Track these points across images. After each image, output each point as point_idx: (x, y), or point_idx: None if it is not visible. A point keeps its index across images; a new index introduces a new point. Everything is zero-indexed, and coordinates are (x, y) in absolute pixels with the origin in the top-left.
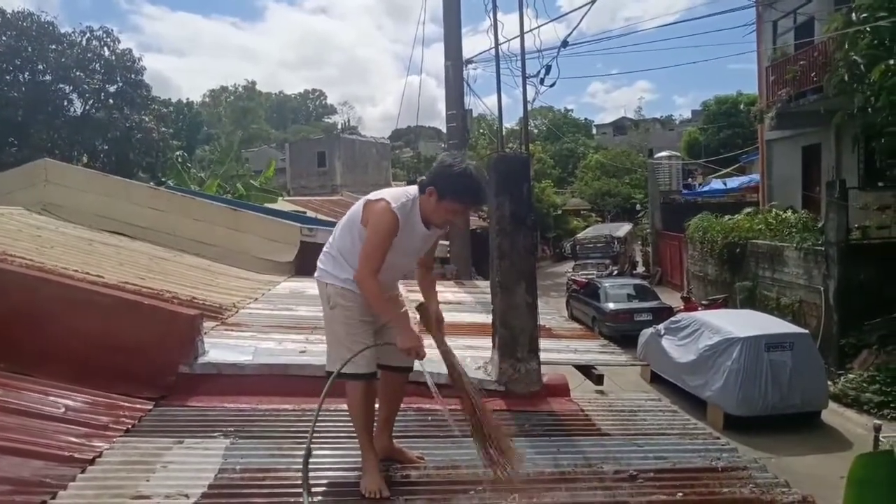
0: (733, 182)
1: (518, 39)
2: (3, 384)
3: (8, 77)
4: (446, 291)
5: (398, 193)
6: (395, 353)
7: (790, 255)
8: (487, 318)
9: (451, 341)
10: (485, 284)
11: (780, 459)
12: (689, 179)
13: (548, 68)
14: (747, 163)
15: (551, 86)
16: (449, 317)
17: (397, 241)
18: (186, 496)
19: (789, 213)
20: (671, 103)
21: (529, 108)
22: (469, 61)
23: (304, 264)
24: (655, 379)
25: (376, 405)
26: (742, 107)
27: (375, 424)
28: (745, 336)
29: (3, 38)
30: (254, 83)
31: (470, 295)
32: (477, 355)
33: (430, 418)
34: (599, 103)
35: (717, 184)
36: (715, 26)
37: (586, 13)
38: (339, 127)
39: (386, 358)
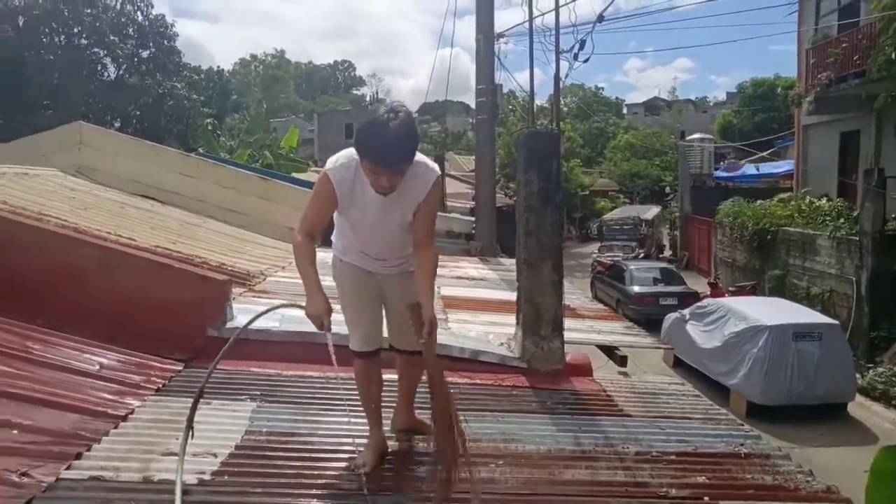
0: (766, 167)
1: (553, 13)
2: (42, 340)
3: (44, 39)
4: (470, 267)
5: (340, 153)
6: (400, 336)
7: (823, 244)
8: (511, 295)
9: (474, 317)
10: (509, 262)
11: (804, 450)
12: (722, 163)
13: (582, 43)
14: (782, 148)
15: (585, 61)
16: (473, 293)
17: (345, 204)
18: (214, 455)
19: (824, 200)
20: (708, 84)
21: (562, 84)
22: (501, 35)
23: (330, 234)
24: (678, 364)
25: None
26: (779, 90)
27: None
28: (772, 324)
29: (41, 0)
30: (282, 52)
31: (494, 272)
32: (500, 332)
33: (451, 391)
34: (632, 82)
35: (749, 168)
36: (756, 5)
37: None
38: (368, 99)
39: (393, 340)
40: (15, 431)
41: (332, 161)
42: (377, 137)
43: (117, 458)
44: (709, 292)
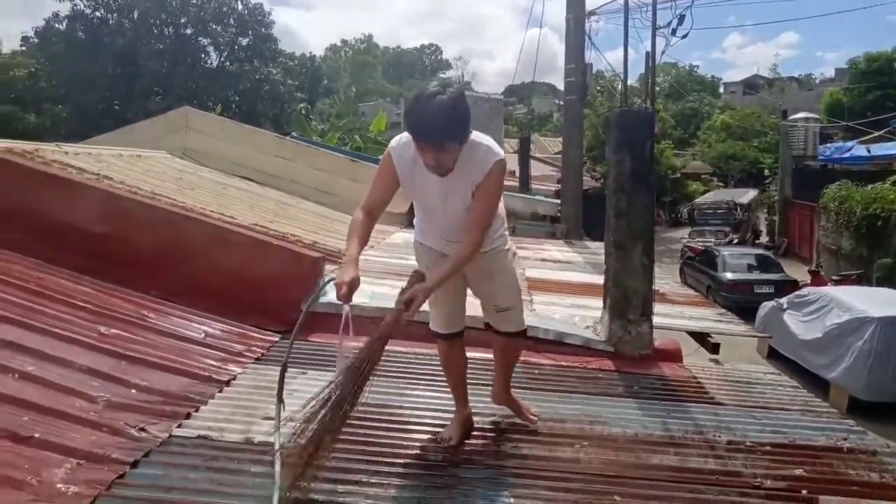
0: (878, 149)
1: None
2: (155, 309)
3: (155, 31)
4: (554, 250)
5: (404, 132)
6: (489, 313)
7: None
8: (597, 279)
9: (560, 300)
10: (595, 245)
11: None
12: (828, 144)
13: (681, 18)
14: None
15: (684, 36)
16: (558, 275)
17: (407, 183)
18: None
19: None
20: (814, 61)
21: (658, 61)
22: (592, 13)
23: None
24: (772, 355)
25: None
26: None
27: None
28: (880, 316)
29: None
30: (370, 36)
31: (580, 255)
32: (586, 314)
33: (536, 371)
34: (730, 59)
35: (859, 150)
36: None
37: None
38: (454, 82)
39: (489, 320)
40: (133, 391)
41: (396, 140)
42: (417, 110)
43: (222, 420)
44: (810, 281)
